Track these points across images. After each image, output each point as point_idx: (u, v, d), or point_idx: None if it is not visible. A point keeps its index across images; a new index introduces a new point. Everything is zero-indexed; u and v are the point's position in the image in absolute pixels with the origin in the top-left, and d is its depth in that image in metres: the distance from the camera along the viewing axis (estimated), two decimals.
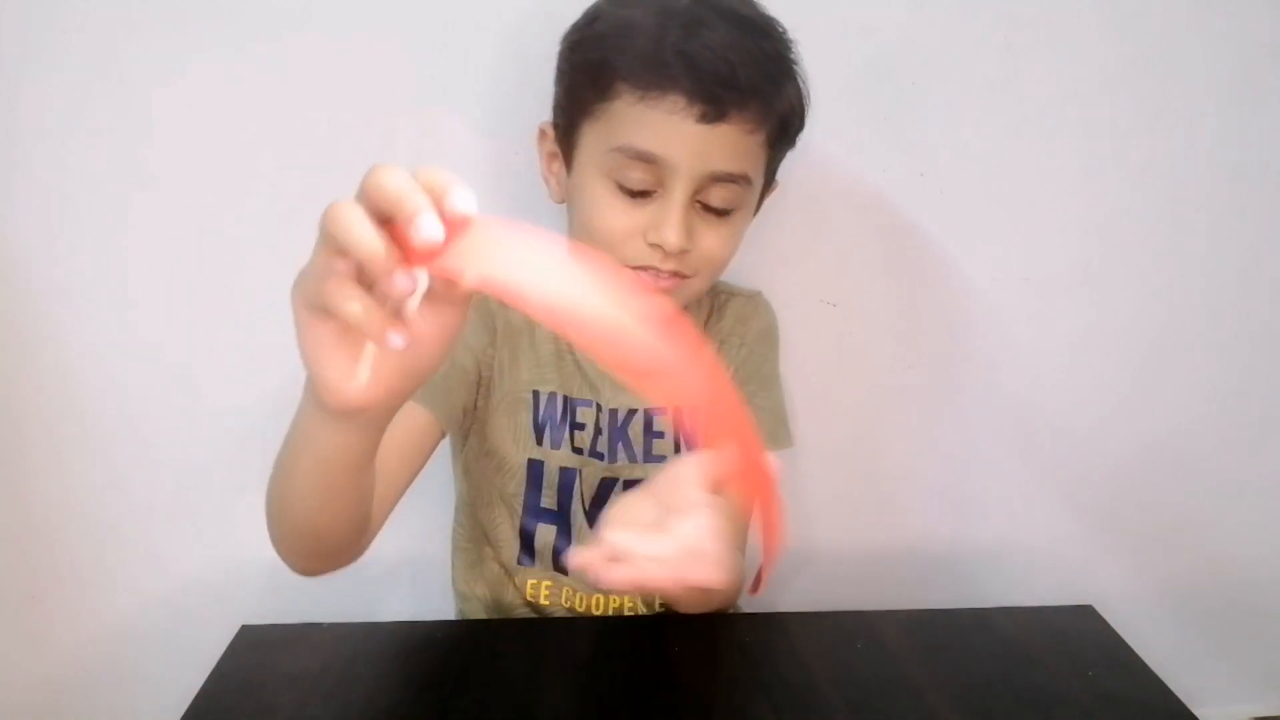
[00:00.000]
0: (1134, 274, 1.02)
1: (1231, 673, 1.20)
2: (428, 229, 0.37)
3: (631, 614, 0.83)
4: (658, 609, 0.84)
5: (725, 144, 0.67)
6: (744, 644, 0.71)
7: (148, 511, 0.96)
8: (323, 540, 0.60)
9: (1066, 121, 0.95)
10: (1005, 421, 1.07)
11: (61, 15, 0.82)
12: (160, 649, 1.00)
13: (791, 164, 0.94)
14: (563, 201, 0.78)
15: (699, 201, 0.69)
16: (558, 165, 0.76)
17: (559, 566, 0.82)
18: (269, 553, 0.99)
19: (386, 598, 1.00)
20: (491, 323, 0.78)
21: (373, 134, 0.88)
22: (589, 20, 0.71)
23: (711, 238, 0.71)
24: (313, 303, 0.42)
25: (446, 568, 0.91)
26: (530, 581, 0.83)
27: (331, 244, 0.40)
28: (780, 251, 0.97)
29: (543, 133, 0.77)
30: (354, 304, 0.40)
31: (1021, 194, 0.98)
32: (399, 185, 0.38)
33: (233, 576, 0.99)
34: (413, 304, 0.42)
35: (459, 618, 0.89)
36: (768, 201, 0.94)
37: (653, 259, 0.69)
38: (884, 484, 1.08)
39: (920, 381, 1.04)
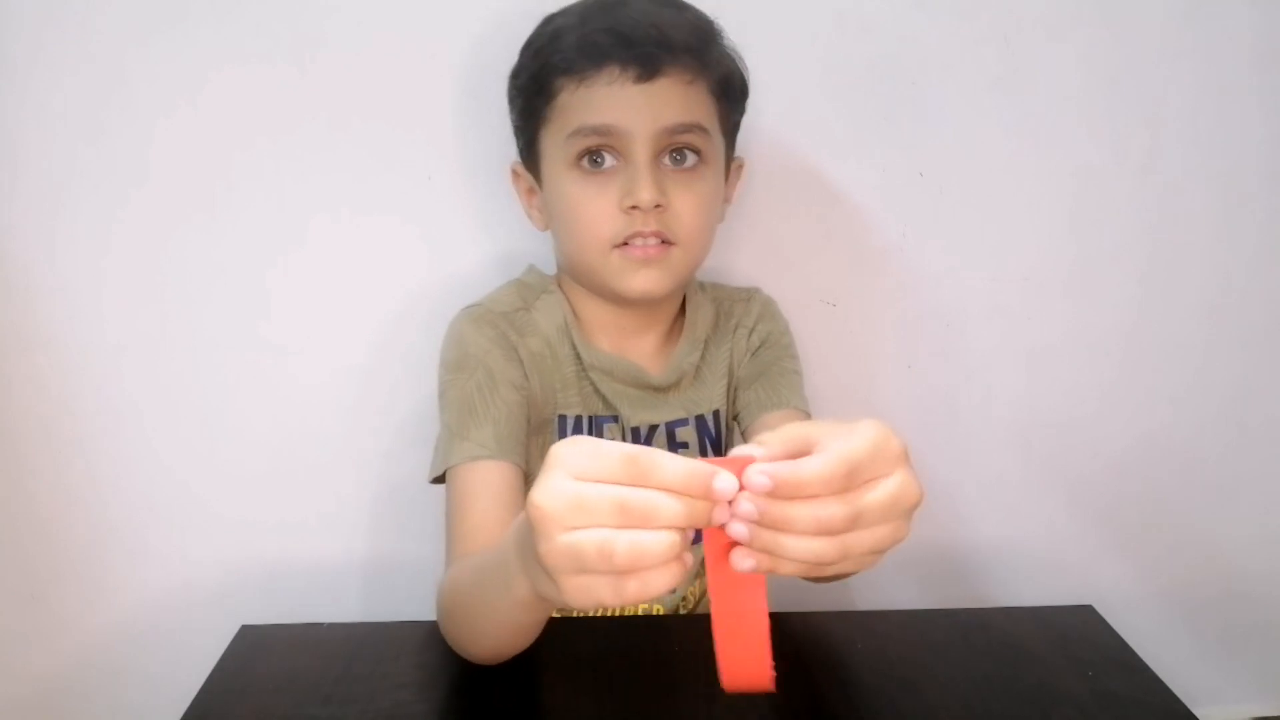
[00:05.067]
0: (1134, 273, 1.02)
1: (1231, 673, 1.20)
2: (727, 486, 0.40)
3: (632, 614, 0.83)
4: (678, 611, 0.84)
5: (669, 97, 0.70)
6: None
7: (148, 511, 0.96)
8: (501, 657, 0.65)
9: (1066, 121, 0.95)
10: (1005, 421, 1.07)
11: (64, 19, 0.82)
12: (160, 649, 1.00)
13: (791, 163, 0.94)
14: (546, 229, 0.80)
15: (665, 160, 0.72)
16: (534, 197, 0.79)
17: None
18: (269, 553, 1.00)
19: (386, 598, 1.00)
20: (516, 354, 0.78)
21: (375, 139, 0.88)
22: (524, 49, 0.76)
23: (685, 196, 0.72)
24: (614, 569, 0.41)
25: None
26: None
27: (636, 515, 0.40)
28: (780, 251, 0.97)
29: (514, 172, 0.81)
30: (671, 545, 0.40)
31: (1021, 194, 0.98)
32: (686, 468, 0.40)
33: (233, 576, 0.99)
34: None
35: None
36: (766, 200, 0.94)
37: (633, 224, 0.71)
38: None
39: (920, 381, 1.04)
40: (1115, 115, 0.96)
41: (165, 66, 0.84)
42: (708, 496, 0.40)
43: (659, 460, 0.40)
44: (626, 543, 0.40)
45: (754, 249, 0.96)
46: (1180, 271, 1.03)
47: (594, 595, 0.42)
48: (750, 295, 0.90)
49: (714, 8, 0.76)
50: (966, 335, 1.02)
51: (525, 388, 0.78)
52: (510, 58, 0.77)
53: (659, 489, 0.40)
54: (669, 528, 0.40)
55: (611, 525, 0.40)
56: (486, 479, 0.72)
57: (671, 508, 0.40)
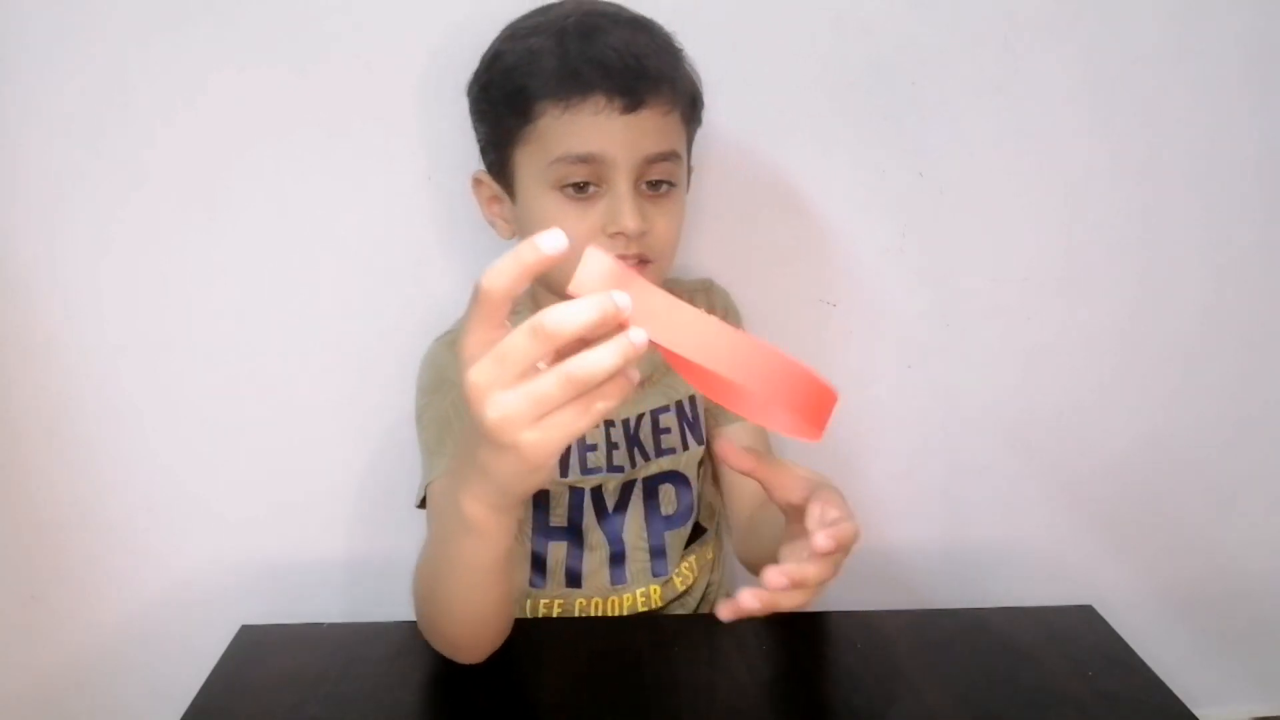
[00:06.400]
0: (1132, 274, 1.02)
1: (1231, 673, 1.20)
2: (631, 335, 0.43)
3: (631, 614, 0.83)
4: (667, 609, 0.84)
5: (649, 127, 0.72)
6: (744, 644, 0.71)
7: (148, 511, 0.96)
8: (480, 640, 0.67)
9: (1066, 121, 0.95)
10: (1005, 421, 1.07)
11: (65, 22, 0.82)
12: (160, 649, 1.00)
13: (791, 164, 0.94)
14: (513, 237, 0.80)
15: (642, 186, 0.74)
16: (499, 205, 0.80)
17: (571, 582, 0.83)
18: (269, 553, 1.00)
19: (387, 598, 1.00)
20: None
21: (375, 142, 0.88)
22: (491, 60, 0.76)
23: (662, 218, 0.74)
24: (576, 386, 0.44)
25: None
26: (543, 602, 0.83)
27: (550, 342, 0.43)
28: (780, 251, 0.97)
29: (477, 181, 0.81)
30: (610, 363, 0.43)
31: (1021, 194, 0.98)
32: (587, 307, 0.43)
33: (233, 576, 0.99)
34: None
35: None
36: (766, 200, 0.94)
37: (615, 248, 0.73)
38: (884, 484, 1.08)
39: (920, 381, 1.04)
40: (1113, 117, 0.96)
41: (165, 69, 0.84)
42: (546, 261, 0.44)
43: (552, 314, 0.43)
44: (577, 363, 0.43)
45: (754, 249, 0.96)
46: (1178, 272, 1.03)
47: (563, 429, 0.44)
48: (709, 287, 0.92)
49: (716, 9, 0.76)
50: (966, 335, 1.03)
51: None
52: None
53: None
54: (583, 324, 0.42)
55: (537, 353, 0.43)
56: None
57: (576, 308, 0.43)
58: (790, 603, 0.55)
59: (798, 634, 0.72)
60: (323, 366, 0.95)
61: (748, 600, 0.54)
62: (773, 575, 0.54)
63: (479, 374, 0.44)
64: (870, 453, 1.06)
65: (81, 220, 0.87)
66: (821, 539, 0.54)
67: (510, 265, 0.44)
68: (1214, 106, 0.96)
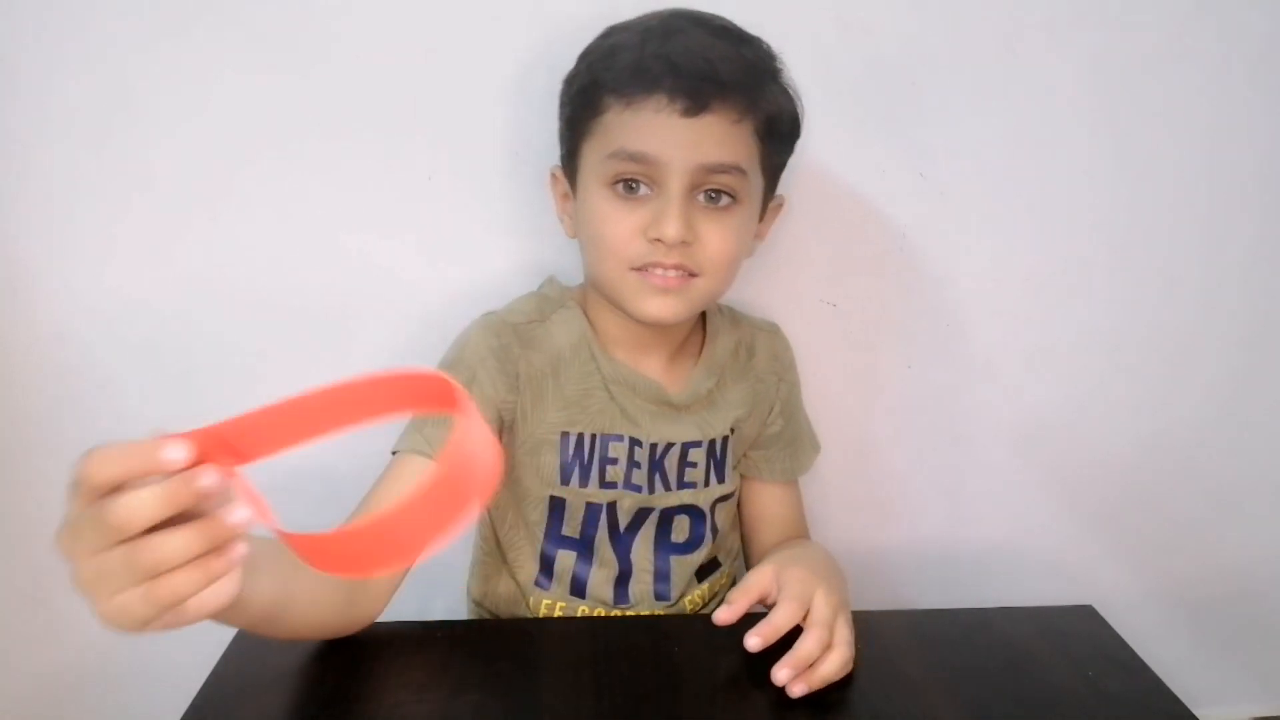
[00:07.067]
0: (1134, 274, 1.02)
1: (1231, 673, 1.20)
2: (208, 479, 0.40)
3: (632, 615, 0.83)
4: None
5: (711, 134, 0.69)
6: (744, 644, 0.71)
7: None
8: (311, 637, 0.69)
9: (1066, 121, 0.95)
10: (1005, 421, 1.07)
11: (69, 27, 0.82)
12: (160, 649, 0.99)
13: (792, 163, 0.94)
14: (574, 236, 0.80)
15: (699, 197, 0.72)
16: (569, 203, 0.79)
17: (576, 589, 0.83)
18: None
19: None
20: (514, 369, 0.78)
21: (378, 145, 0.88)
22: (581, 56, 0.76)
23: (714, 233, 0.72)
24: (140, 570, 0.40)
25: (452, 569, 0.91)
26: (545, 602, 0.83)
27: (116, 535, 0.39)
28: (780, 251, 0.97)
29: (554, 176, 0.81)
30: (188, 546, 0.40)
31: (1021, 194, 0.98)
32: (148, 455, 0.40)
33: None
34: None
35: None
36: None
37: (655, 254, 0.71)
38: (884, 484, 1.08)
39: (920, 381, 1.04)
40: (1114, 118, 0.96)
41: (168, 72, 0.84)
42: (158, 467, 0.39)
43: (89, 463, 0.39)
44: (143, 546, 0.39)
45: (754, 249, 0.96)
46: (1179, 272, 1.03)
47: (128, 613, 0.41)
48: (773, 332, 0.91)
49: (715, 9, 0.76)
50: (966, 336, 1.03)
51: (509, 405, 0.78)
52: (512, 60, 0.77)
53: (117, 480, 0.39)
54: (150, 519, 0.38)
55: (105, 542, 0.39)
56: (411, 474, 0.72)
57: (142, 500, 0.38)
58: (830, 671, 0.66)
59: (798, 634, 0.72)
60: (323, 367, 0.94)
61: (796, 689, 0.65)
62: (777, 673, 0.64)
63: (62, 537, 0.40)
64: (870, 453, 1.06)
65: (85, 222, 0.87)
66: (747, 642, 0.65)
67: (118, 458, 0.40)
68: (1215, 108, 0.96)
